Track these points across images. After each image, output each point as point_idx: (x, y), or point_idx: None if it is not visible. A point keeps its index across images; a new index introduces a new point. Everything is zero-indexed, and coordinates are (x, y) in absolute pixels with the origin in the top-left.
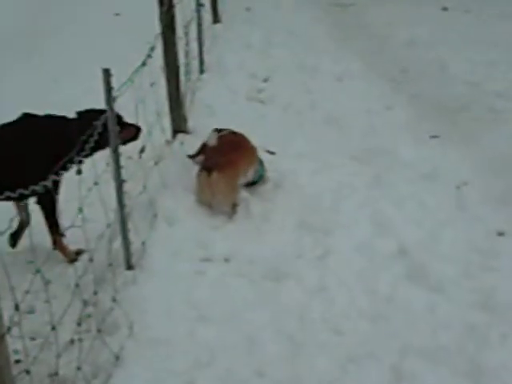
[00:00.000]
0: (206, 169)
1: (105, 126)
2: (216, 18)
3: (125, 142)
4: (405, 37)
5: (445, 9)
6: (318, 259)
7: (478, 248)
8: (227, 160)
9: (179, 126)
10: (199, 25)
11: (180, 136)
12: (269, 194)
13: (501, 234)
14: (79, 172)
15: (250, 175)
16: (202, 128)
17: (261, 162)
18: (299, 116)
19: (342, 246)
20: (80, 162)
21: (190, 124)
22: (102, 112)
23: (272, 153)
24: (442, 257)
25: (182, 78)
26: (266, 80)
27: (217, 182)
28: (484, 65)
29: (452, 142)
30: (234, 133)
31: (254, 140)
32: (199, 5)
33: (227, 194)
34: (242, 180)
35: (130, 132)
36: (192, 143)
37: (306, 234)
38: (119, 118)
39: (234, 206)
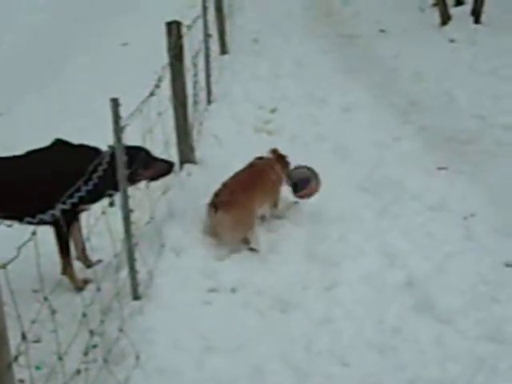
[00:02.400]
0: (214, 205)
1: (131, 162)
2: (224, 49)
3: (156, 178)
4: (412, 69)
5: (452, 41)
6: (326, 290)
7: (485, 279)
8: (235, 198)
9: (186, 156)
10: (207, 55)
11: (187, 166)
12: (276, 224)
13: (508, 265)
14: (112, 204)
15: (266, 209)
16: (209, 158)
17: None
18: (306, 147)
19: (349, 277)
20: (111, 195)
21: (197, 154)
22: (133, 149)
23: None
24: (449, 288)
25: (190, 108)
26: (273, 111)
27: (222, 220)
28: (491, 97)
29: (459, 174)
30: (250, 165)
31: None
32: (207, 35)
33: (233, 232)
34: (256, 215)
35: (161, 167)
36: (199, 173)
37: (313, 265)
38: (148, 153)
39: (246, 240)
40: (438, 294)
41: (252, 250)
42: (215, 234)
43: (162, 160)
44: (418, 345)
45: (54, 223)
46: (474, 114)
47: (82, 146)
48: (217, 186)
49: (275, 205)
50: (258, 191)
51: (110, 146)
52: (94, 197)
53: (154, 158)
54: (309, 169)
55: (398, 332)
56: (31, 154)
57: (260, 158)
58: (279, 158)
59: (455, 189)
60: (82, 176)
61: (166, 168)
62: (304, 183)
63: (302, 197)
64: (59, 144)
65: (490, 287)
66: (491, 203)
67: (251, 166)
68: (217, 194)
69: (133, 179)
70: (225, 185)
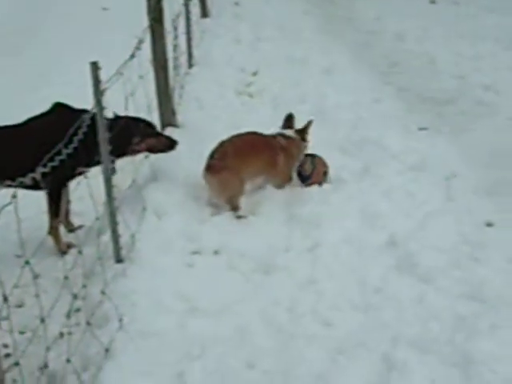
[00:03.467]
0: (206, 167)
1: (131, 132)
2: (205, 12)
3: (156, 152)
4: (393, 30)
5: (433, 2)
6: (308, 252)
7: (466, 239)
8: (227, 164)
9: (168, 119)
10: (188, 19)
11: (169, 129)
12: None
13: (489, 224)
14: (113, 171)
15: (259, 180)
16: (191, 122)
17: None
18: (287, 109)
19: (331, 239)
20: (112, 161)
21: (179, 118)
22: (138, 120)
23: None
24: (431, 247)
25: (171, 71)
26: (254, 74)
27: (211, 181)
28: (471, 58)
29: (440, 134)
30: (255, 135)
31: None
32: None
33: (220, 194)
34: (242, 186)
35: (162, 142)
36: (181, 136)
37: (295, 227)
38: (153, 126)
39: (232, 204)
40: (420, 253)
41: (239, 217)
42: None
43: (165, 136)
44: (399, 304)
45: (49, 184)
46: (455, 75)
47: (83, 111)
48: (198, 149)
49: (279, 184)
50: (253, 161)
51: (115, 115)
52: (92, 161)
53: (156, 131)
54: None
55: (381, 291)
56: (32, 120)
57: (281, 135)
58: (299, 140)
59: (436, 149)
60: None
61: (167, 144)
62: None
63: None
64: (60, 108)
65: (470, 247)
66: (472, 163)
67: (259, 134)
68: (212, 155)
69: (131, 149)
70: (222, 145)
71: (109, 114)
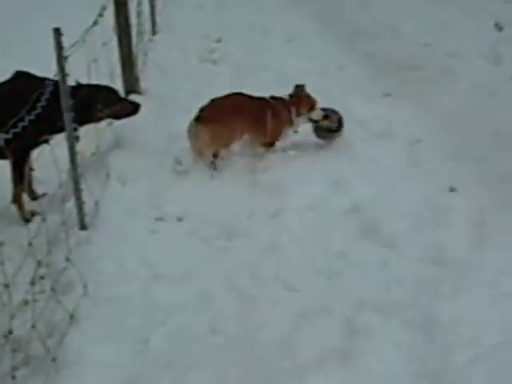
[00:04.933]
0: (197, 118)
1: (93, 98)
2: None
3: (120, 117)
4: None
5: None
6: (271, 217)
7: (430, 204)
8: (218, 117)
9: (132, 86)
10: None
11: (132, 96)
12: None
13: (453, 189)
14: (76, 138)
15: (246, 138)
16: (155, 88)
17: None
18: (251, 76)
19: (294, 204)
20: (75, 129)
21: (143, 84)
22: (100, 87)
23: None
24: (394, 213)
25: (134, 38)
26: (218, 41)
27: (198, 132)
28: (436, 25)
29: (405, 101)
30: (244, 95)
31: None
32: None
33: (204, 146)
34: (230, 139)
35: (125, 107)
36: (144, 103)
37: (258, 193)
38: (115, 92)
39: (216, 154)
40: (383, 218)
41: (213, 166)
42: (193, 146)
43: (128, 100)
44: (363, 268)
45: (13, 151)
46: (420, 42)
47: (46, 79)
48: (162, 116)
49: (265, 142)
50: (241, 118)
51: (77, 83)
52: (56, 128)
53: (119, 97)
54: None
55: (344, 257)
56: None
57: (273, 98)
58: (298, 101)
59: (400, 115)
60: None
61: (130, 108)
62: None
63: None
64: (22, 76)
65: (434, 211)
66: (436, 129)
67: (247, 95)
68: (202, 110)
69: (95, 116)
70: (212, 101)
71: (71, 82)
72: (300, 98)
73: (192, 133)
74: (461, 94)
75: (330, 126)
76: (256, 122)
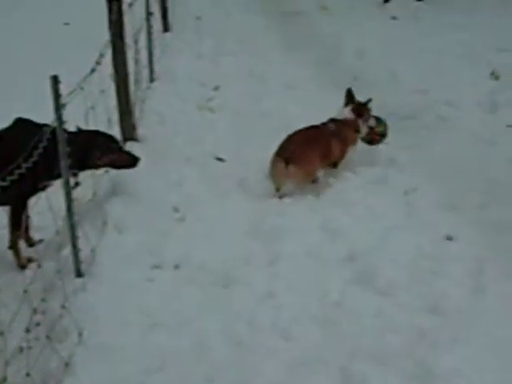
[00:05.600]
0: (284, 159)
1: (91, 146)
2: (166, 27)
3: (117, 167)
4: (354, 46)
5: (394, 18)
6: (268, 265)
7: (426, 253)
8: (303, 154)
9: (129, 133)
10: (149, 33)
11: (129, 144)
12: (218, 199)
13: (449, 238)
14: (77, 184)
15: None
16: (152, 136)
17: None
18: (249, 124)
19: (291, 252)
20: (75, 174)
21: (140, 132)
22: (99, 134)
23: (222, 160)
24: (390, 261)
25: (132, 86)
26: (215, 88)
27: (291, 172)
28: (433, 73)
29: (401, 149)
30: (316, 127)
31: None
32: (149, 13)
33: (298, 182)
34: (317, 170)
35: (123, 158)
36: (142, 151)
37: (255, 240)
38: (116, 142)
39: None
40: (379, 267)
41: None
42: (277, 185)
43: (128, 152)
44: (359, 318)
45: (12, 198)
46: (417, 90)
47: (45, 126)
48: (159, 164)
49: (335, 165)
50: (321, 153)
51: (78, 128)
52: (54, 174)
53: (120, 147)
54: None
55: (340, 305)
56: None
57: (333, 120)
58: (362, 112)
59: (396, 163)
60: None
61: (129, 161)
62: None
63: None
64: (22, 123)
65: (430, 261)
66: (432, 178)
67: (318, 127)
68: (283, 148)
69: (93, 162)
70: (290, 140)
71: (72, 127)
72: (363, 110)
73: (282, 173)
74: (457, 142)
75: (383, 131)
76: (328, 152)
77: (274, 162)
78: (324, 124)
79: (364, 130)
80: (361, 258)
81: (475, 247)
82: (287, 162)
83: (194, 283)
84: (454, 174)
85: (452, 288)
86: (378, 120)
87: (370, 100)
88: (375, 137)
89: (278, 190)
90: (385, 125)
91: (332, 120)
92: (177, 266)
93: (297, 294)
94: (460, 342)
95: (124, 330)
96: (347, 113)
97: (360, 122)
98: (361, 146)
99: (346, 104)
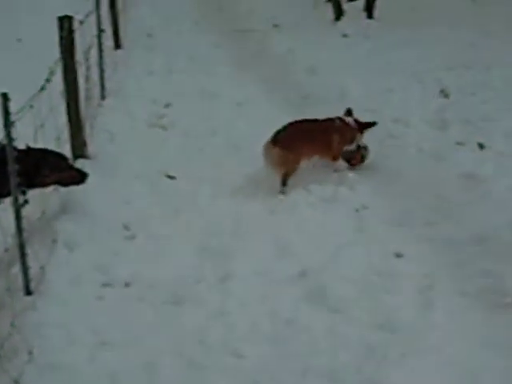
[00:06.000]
0: (273, 141)
1: (39, 164)
2: (117, 44)
3: (66, 184)
4: (305, 63)
5: (345, 35)
6: (219, 283)
7: (376, 269)
8: (293, 141)
9: (79, 151)
10: (100, 50)
11: (80, 161)
12: (169, 217)
13: (399, 255)
14: (26, 202)
15: (314, 160)
16: (103, 154)
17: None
18: (200, 141)
19: (243, 270)
20: (23, 192)
21: (91, 149)
22: (48, 152)
23: (172, 177)
24: (341, 278)
25: (83, 103)
26: (167, 106)
27: (274, 154)
28: (382, 91)
29: (352, 167)
30: (320, 120)
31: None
32: (100, 30)
33: (280, 166)
34: (302, 161)
35: (72, 175)
36: (92, 168)
37: (206, 258)
38: (65, 159)
39: (285, 176)
40: (330, 284)
41: (283, 193)
42: (266, 165)
43: (76, 169)
44: (310, 335)
45: None
46: (366, 108)
47: None
48: (109, 181)
49: (334, 159)
50: (312, 145)
51: (27, 147)
52: (3, 192)
53: (68, 164)
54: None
55: (292, 323)
56: None
57: (340, 119)
58: (356, 129)
59: (347, 181)
60: None
61: (77, 177)
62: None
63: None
64: None
65: (380, 277)
66: (382, 195)
67: (320, 121)
68: (276, 134)
69: (42, 180)
70: (285, 128)
71: (21, 145)
72: (365, 128)
73: (267, 153)
74: (407, 159)
75: (364, 155)
76: (322, 146)
77: (265, 145)
78: (331, 119)
79: (357, 143)
80: (312, 275)
81: (424, 263)
82: (274, 144)
83: (145, 301)
84: (403, 191)
85: (401, 304)
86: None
87: (375, 123)
88: (357, 157)
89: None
90: (367, 150)
91: (339, 118)
92: (127, 284)
93: (248, 312)
94: (409, 357)
95: (74, 348)
96: (351, 121)
97: (358, 135)
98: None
99: (345, 115)
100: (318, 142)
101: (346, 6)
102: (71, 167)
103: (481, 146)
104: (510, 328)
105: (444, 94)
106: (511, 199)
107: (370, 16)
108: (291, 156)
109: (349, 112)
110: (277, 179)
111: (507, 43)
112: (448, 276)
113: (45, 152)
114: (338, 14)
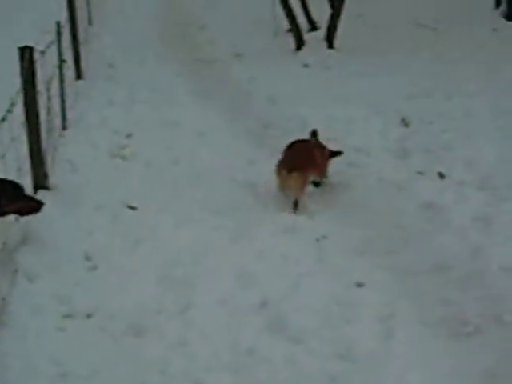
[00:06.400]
0: (287, 168)
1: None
2: (79, 74)
3: (22, 214)
4: (266, 93)
5: (306, 65)
6: (180, 313)
7: (337, 299)
8: (303, 163)
9: (41, 182)
10: (61, 81)
11: (41, 192)
12: (130, 248)
13: (360, 285)
14: None
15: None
16: (64, 184)
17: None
18: (162, 171)
19: (204, 300)
20: None
21: (52, 180)
22: (4, 182)
23: (134, 208)
24: (302, 308)
25: (44, 134)
26: (128, 136)
27: (292, 180)
28: (343, 121)
29: (311, 196)
30: (308, 141)
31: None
32: (62, 61)
33: (300, 188)
34: (310, 179)
35: (28, 204)
36: (53, 199)
37: (168, 288)
38: (20, 189)
39: (302, 199)
40: (292, 314)
41: (295, 206)
42: (283, 191)
43: (32, 198)
44: (271, 365)
45: None
46: (327, 137)
47: None
48: (70, 212)
49: (325, 175)
50: (315, 163)
51: None
52: None
53: (24, 194)
54: None
55: (253, 353)
56: None
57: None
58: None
59: (308, 210)
60: None
61: (33, 206)
62: None
63: None
64: None
65: (342, 307)
66: (343, 224)
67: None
68: (283, 161)
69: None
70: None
71: None
72: (334, 156)
73: (285, 181)
74: (368, 188)
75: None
76: (319, 165)
77: (278, 171)
78: (315, 139)
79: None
80: (273, 305)
81: (385, 293)
82: (290, 171)
83: (106, 332)
84: (364, 221)
85: (363, 333)
86: None
87: (341, 153)
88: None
89: (282, 191)
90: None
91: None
92: (88, 315)
93: (209, 342)
94: None
95: (35, 379)
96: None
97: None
98: (273, 193)
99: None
100: (317, 159)
101: (306, 36)
102: (26, 196)
103: (441, 176)
104: (471, 357)
105: (404, 123)
106: (471, 228)
107: (330, 46)
108: (305, 178)
109: (314, 133)
110: (240, 210)
111: (467, 72)
112: (409, 305)
113: (1, 182)
114: (299, 43)
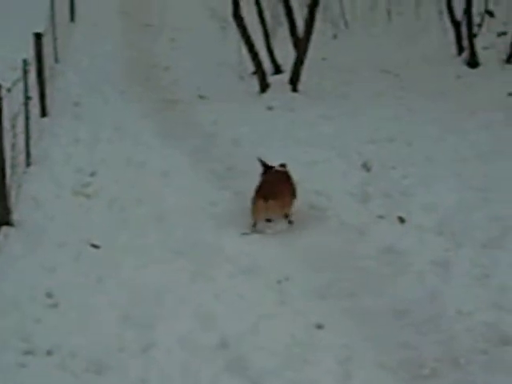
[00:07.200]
0: (263, 197)
1: None
2: (44, 112)
3: None
4: (230, 135)
5: (270, 108)
6: (141, 352)
7: (297, 341)
8: (278, 191)
9: (4, 218)
10: (27, 118)
11: (4, 229)
12: (92, 286)
13: (320, 326)
14: None
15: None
16: (27, 221)
17: None
18: (124, 211)
19: (164, 340)
20: None
21: (15, 217)
22: None
23: (97, 246)
24: (262, 349)
25: (8, 170)
26: (92, 174)
27: (272, 206)
28: (305, 164)
29: (273, 237)
30: (280, 171)
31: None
32: (27, 98)
33: (279, 213)
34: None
35: None
36: (16, 236)
37: (129, 327)
38: None
39: (286, 216)
40: (251, 355)
41: (290, 222)
42: (262, 219)
43: None
44: None
45: None
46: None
47: None
48: (33, 249)
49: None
50: (289, 189)
51: None
52: None
53: None
54: None
55: None
56: None
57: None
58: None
59: (268, 252)
60: None
61: None
62: None
63: None
64: None
65: (301, 348)
66: (304, 267)
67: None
68: (259, 190)
69: None
70: (262, 185)
71: None
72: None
73: (261, 209)
74: (329, 231)
75: None
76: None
77: (254, 200)
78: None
79: None
80: (233, 346)
81: (344, 335)
82: (266, 199)
83: (66, 370)
84: (325, 263)
85: (322, 376)
86: None
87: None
88: None
89: (254, 225)
90: None
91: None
92: (49, 352)
93: (170, 382)
94: None
95: None
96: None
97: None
98: (236, 234)
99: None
100: (289, 186)
101: (271, 79)
102: None
103: (401, 220)
104: None
105: (366, 167)
106: (430, 272)
107: (294, 89)
108: (281, 203)
109: (282, 167)
110: (201, 250)
111: (429, 118)
112: (368, 348)
113: None
114: (264, 86)
